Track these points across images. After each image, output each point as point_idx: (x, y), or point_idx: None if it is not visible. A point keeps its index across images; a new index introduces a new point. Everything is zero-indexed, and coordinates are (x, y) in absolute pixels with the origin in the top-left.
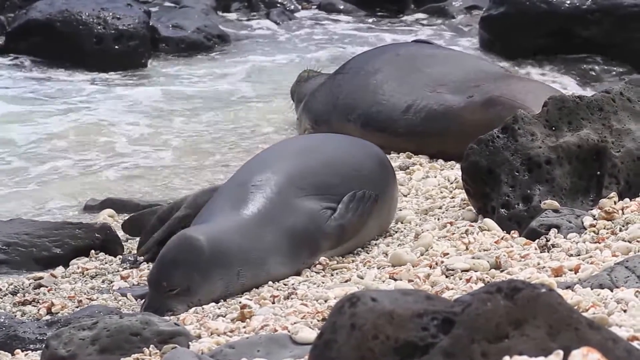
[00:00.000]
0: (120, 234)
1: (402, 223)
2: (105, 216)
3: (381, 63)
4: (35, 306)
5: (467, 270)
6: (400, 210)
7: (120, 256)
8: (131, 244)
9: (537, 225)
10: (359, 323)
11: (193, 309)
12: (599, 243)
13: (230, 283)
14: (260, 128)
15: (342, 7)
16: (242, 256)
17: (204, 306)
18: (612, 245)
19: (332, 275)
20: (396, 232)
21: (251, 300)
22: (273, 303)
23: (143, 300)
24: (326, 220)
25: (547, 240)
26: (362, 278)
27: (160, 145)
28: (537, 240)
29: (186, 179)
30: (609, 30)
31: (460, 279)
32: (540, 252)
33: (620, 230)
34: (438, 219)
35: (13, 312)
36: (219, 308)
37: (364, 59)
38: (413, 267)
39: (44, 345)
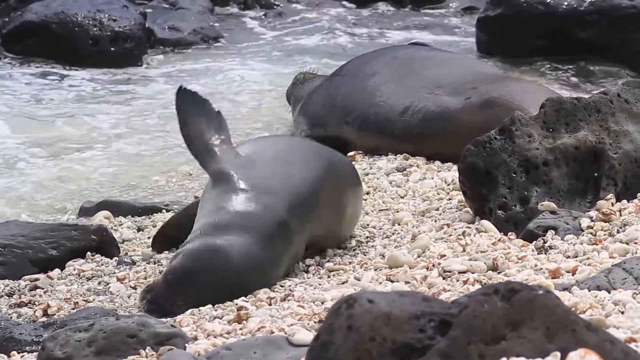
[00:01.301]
0: (117, 235)
1: (399, 225)
2: (101, 218)
3: (378, 65)
4: (31, 308)
5: (464, 272)
6: (398, 211)
7: (117, 258)
8: (127, 246)
9: (535, 227)
10: (356, 325)
11: (190, 310)
12: (597, 245)
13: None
14: (256, 131)
15: (339, 8)
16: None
17: (200, 308)
18: (609, 247)
19: (328, 277)
20: (393, 233)
21: (248, 302)
22: (270, 305)
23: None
24: None
25: (545, 242)
26: (359, 280)
27: (156, 147)
28: (535, 241)
29: (179, 183)
30: (606, 32)
31: (457, 280)
32: (538, 254)
33: (618, 232)
34: (435, 221)
35: (9, 314)
36: (216, 310)
37: (362, 61)
38: (410, 268)
39: (40, 347)
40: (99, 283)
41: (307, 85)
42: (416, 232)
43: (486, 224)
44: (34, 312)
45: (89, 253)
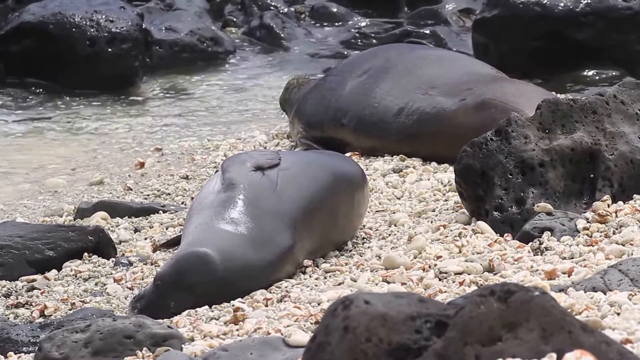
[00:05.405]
0: (113, 236)
1: (395, 226)
2: (98, 219)
3: (372, 65)
4: (28, 309)
5: (460, 273)
6: (394, 212)
7: (114, 259)
8: (124, 247)
9: (531, 228)
10: (352, 326)
11: (186, 311)
12: (593, 246)
13: None
14: (253, 136)
15: (335, 9)
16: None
17: (197, 309)
18: (605, 248)
19: (325, 278)
20: (389, 234)
21: (244, 303)
22: (266, 306)
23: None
24: None
25: (541, 243)
26: (355, 281)
27: (153, 150)
28: (531, 243)
29: (176, 185)
30: (602, 33)
31: (454, 281)
32: (534, 255)
33: (614, 233)
34: (431, 222)
35: (6, 315)
36: (212, 311)
37: (356, 61)
38: (406, 270)
39: (37, 348)
40: (96, 284)
41: (302, 89)
42: (412, 233)
43: (482, 225)
44: (31, 312)
45: (86, 254)
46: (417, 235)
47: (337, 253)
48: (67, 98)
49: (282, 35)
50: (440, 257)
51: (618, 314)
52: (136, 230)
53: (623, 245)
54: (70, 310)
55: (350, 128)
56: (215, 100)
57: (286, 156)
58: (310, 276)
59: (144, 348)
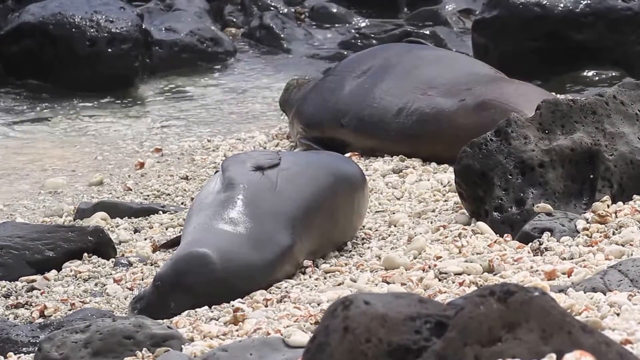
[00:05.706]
0: (113, 236)
1: (395, 226)
2: (98, 219)
3: (372, 65)
4: (28, 309)
5: (460, 274)
6: (394, 213)
7: (113, 259)
8: (124, 247)
9: (530, 229)
10: (352, 326)
11: (186, 312)
12: (592, 246)
13: None
14: (253, 137)
15: (334, 10)
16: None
17: (197, 309)
18: (605, 249)
19: (325, 278)
20: (389, 235)
21: (244, 303)
22: (266, 306)
23: (141, 292)
24: None
25: (540, 244)
26: (355, 281)
27: (152, 151)
28: (530, 243)
29: (176, 185)
30: (602, 34)
31: (453, 282)
32: (534, 256)
33: (614, 233)
34: (431, 222)
35: (6, 315)
36: (212, 311)
37: (355, 61)
38: (406, 270)
39: (36, 349)
40: (96, 284)
41: (302, 90)
42: (412, 233)
43: (482, 225)
44: (31, 313)
45: (85, 254)
46: (417, 235)
47: (337, 253)
48: (67, 98)
49: (282, 35)
50: (440, 257)
51: (618, 314)
52: (136, 231)
53: (623, 245)
54: (70, 310)
55: (350, 128)
56: (215, 100)
57: (286, 156)
58: (310, 276)
59: (144, 348)
